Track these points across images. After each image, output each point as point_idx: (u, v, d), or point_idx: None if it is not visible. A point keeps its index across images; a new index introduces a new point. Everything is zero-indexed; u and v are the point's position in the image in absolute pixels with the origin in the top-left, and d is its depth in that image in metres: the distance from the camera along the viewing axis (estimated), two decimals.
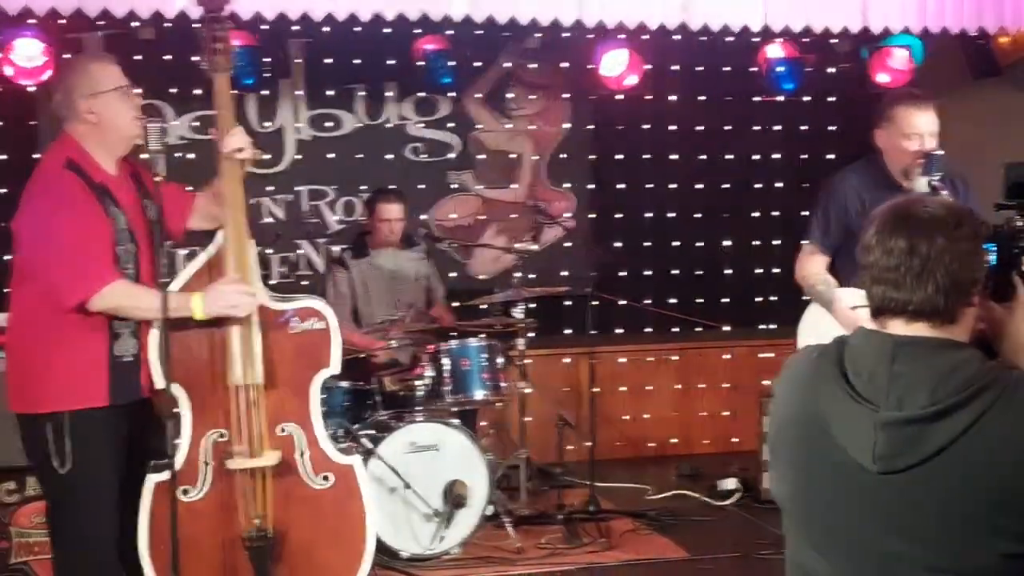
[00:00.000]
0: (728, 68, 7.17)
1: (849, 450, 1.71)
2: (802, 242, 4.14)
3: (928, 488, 1.66)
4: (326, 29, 5.33)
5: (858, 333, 1.85)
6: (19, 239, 3.29)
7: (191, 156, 6.42)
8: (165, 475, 3.29)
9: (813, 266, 4.08)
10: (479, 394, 5.16)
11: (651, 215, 7.48)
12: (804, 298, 4.31)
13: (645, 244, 7.43)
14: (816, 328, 4.06)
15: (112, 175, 3.38)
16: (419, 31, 6.15)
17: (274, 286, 5.67)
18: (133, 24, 5.64)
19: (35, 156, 6.57)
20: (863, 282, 1.86)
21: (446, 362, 5.12)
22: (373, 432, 4.89)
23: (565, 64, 7.18)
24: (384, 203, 5.75)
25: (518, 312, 5.45)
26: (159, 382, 3.29)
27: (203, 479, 3.38)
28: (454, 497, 4.85)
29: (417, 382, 5.09)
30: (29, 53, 5.83)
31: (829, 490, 1.77)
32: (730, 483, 5.92)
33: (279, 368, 3.42)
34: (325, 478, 3.49)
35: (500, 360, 5.25)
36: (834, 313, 3.97)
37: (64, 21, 5.23)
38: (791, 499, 1.86)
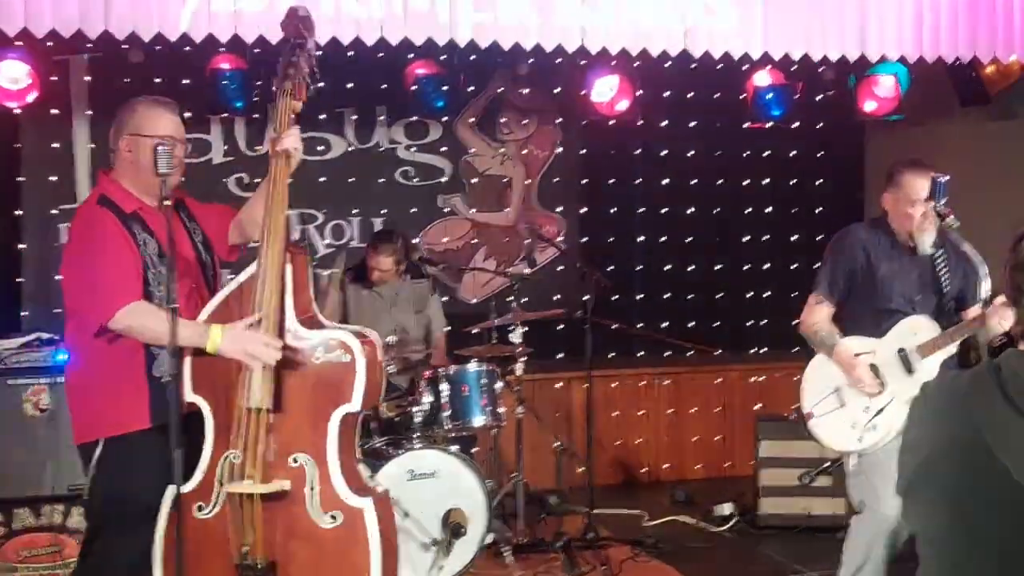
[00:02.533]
0: (718, 95, 7.21)
1: (1018, 475, 1.62)
2: (811, 295, 4.17)
3: None
4: (318, 53, 5.28)
5: (1013, 357, 1.76)
6: (62, 278, 3.41)
7: (182, 179, 6.32)
8: (185, 487, 3.27)
9: (815, 316, 4.12)
10: (478, 420, 5.10)
11: (642, 239, 7.50)
12: (795, 323, 4.33)
13: (636, 268, 7.44)
14: (821, 376, 4.09)
15: (149, 204, 3.42)
16: (411, 56, 6.12)
17: None
18: (123, 47, 5.56)
19: (19, 179, 6.52)
20: (1016, 302, 1.79)
21: (444, 388, 5.06)
22: (370, 459, 4.81)
23: (557, 89, 7.21)
24: (373, 251, 5.64)
25: (516, 337, 5.40)
26: (188, 394, 3.31)
27: (216, 497, 3.31)
28: (452, 526, 4.77)
29: (414, 408, 5.03)
30: (14, 75, 5.74)
31: (990, 521, 1.68)
32: (726, 508, 5.90)
33: (298, 396, 3.32)
34: (333, 517, 3.30)
35: (499, 385, 5.20)
36: (835, 356, 4.01)
37: (51, 44, 5.15)
38: (942, 534, 1.76)
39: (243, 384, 3.25)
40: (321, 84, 6.66)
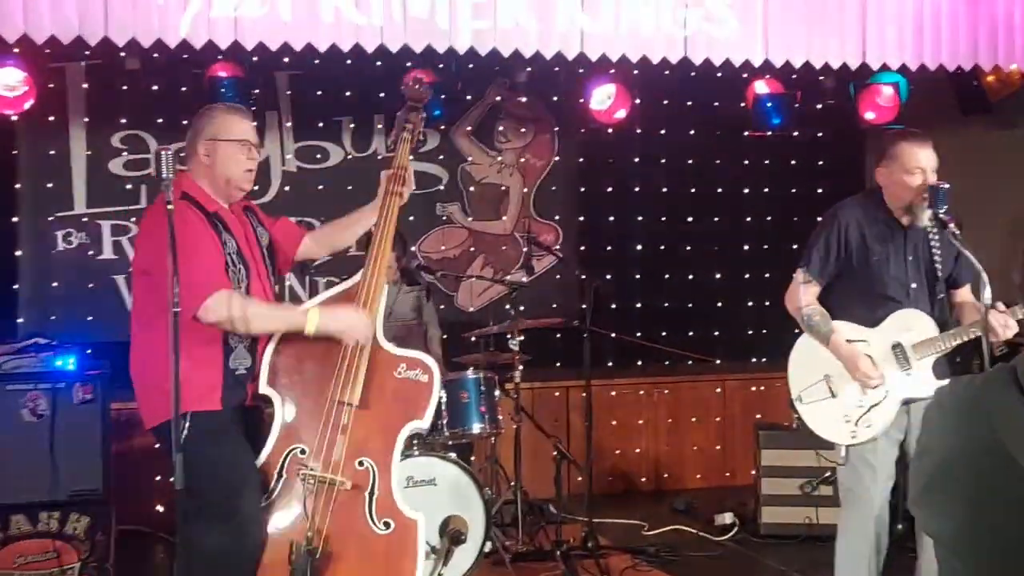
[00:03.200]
0: (717, 103, 7.21)
1: None
2: (799, 270, 4.07)
3: None
4: (316, 61, 5.29)
5: None
6: (138, 271, 3.53)
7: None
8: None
9: (807, 297, 4.01)
10: (476, 427, 5.07)
11: (641, 248, 7.48)
12: (796, 331, 4.28)
13: (635, 277, 7.43)
14: (809, 362, 4.02)
15: (224, 207, 3.56)
16: (409, 64, 6.11)
17: None
18: (120, 54, 5.54)
19: (16, 186, 6.50)
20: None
21: (443, 395, 5.02)
22: None
23: (554, 98, 7.20)
24: None
25: (514, 344, 5.37)
26: (263, 386, 3.43)
27: (272, 488, 3.42)
28: (451, 533, 4.73)
29: None
30: (10, 82, 5.72)
31: (1009, 522, 1.65)
32: (727, 518, 5.87)
33: (375, 404, 3.47)
34: (386, 524, 3.46)
35: (497, 393, 5.18)
36: (831, 346, 3.93)
37: (48, 51, 5.14)
38: (959, 537, 1.73)
39: (339, 377, 3.41)
40: (318, 92, 6.77)
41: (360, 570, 3.44)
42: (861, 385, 3.88)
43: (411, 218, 6.95)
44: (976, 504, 1.71)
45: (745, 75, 6.29)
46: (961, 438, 1.73)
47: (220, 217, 3.49)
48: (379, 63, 5.20)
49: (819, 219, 4.14)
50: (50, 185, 6.54)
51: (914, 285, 3.95)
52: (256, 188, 6.69)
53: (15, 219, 6.51)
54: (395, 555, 3.46)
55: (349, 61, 5.15)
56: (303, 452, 3.43)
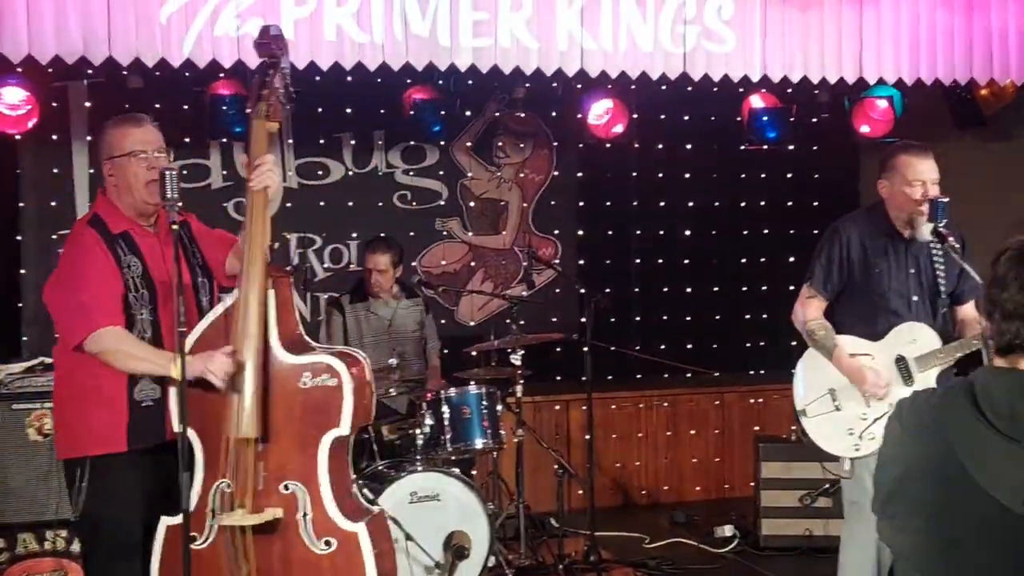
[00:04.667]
0: (713, 117, 7.26)
1: (993, 492, 1.66)
2: (804, 285, 4.13)
3: None
4: (316, 78, 5.34)
5: (985, 373, 1.80)
6: (45, 295, 3.41)
7: (180, 204, 6.33)
8: (177, 519, 3.22)
9: (811, 311, 4.06)
10: (479, 442, 5.10)
11: (639, 262, 7.52)
12: (793, 343, 4.32)
13: (634, 291, 7.46)
14: (814, 375, 4.06)
15: (141, 225, 3.43)
16: (409, 81, 6.17)
17: None
18: (123, 72, 5.58)
19: (20, 205, 6.53)
20: (989, 317, 1.82)
21: (445, 410, 5.06)
22: (372, 483, 4.80)
23: (552, 113, 7.26)
24: (371, 252, 5.72)
25: (515, 359, 5.40)
26: (175, 427, 3.22)
27: (209, 528, 3.27)
28: (455, 548, 4.75)
29: (416, 431, 5.02)
30: (13, 101, 5.76)
31: (966, 537, 1.71)
32: (727, 530, 5.89)
33: (287, 424, 3.27)
34: (327, 543, 3.27)
35: (499, 407, 5.20)
36: (834, 360, 3.97)
37: (51, 70, 5.18)
38: (917, 549, 1.79)
39: (231, 414, 3.20)
40: (319, 109, 6.82)
41: None
42: (867, 397, 3.92)
43: (411, 234, 7.02)
44: (934, 518, 1.75)
45: (741, 89, 6.35)
46: (919, 452, 1.79)
47: (129, 238, 3.36)
48: (379, 79, 5.24)
49: (816, 232, 4.19)
50: (53, 203, 6.57)
51: (915, 297, 3.99)
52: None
53: (19, 237, 6.54)
54: (341, 570, 3.27)
55: (350, 78, 5.20)
56: (229, 486, 3.24)
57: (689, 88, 5.64)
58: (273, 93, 3.29)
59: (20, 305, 6.49)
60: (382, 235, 6.01)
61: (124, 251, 3.34)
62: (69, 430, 3.34)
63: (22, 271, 6.52)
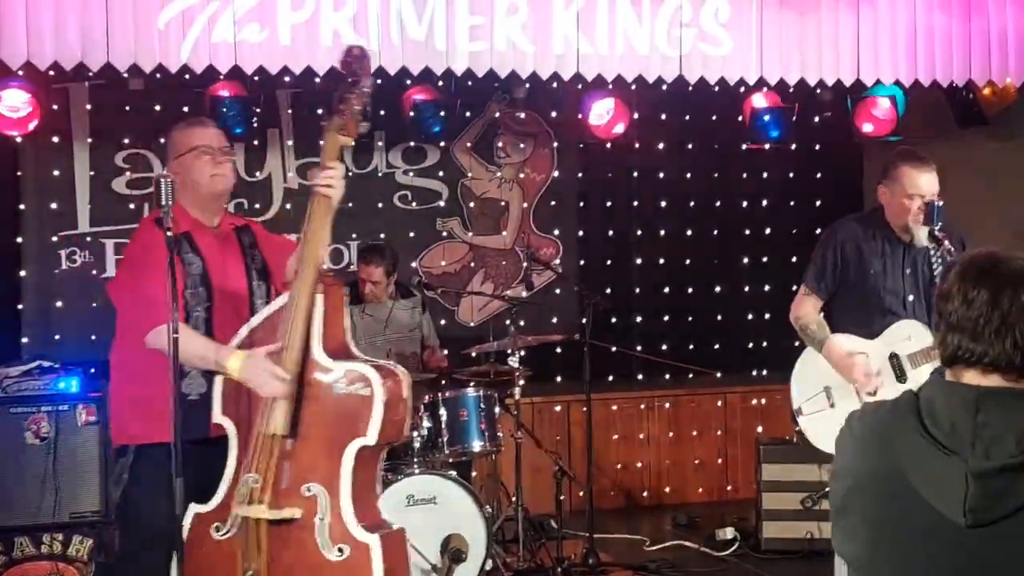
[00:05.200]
0: (715, 117, 7.24)
1: (935, 504, 1.68)
2: (800, 285, 4.18)
3: (1018, 540, 1.64)
4: (316, 79, 5.34)
5: (931, 385, 1.83)
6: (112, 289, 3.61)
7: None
8: (207, 507, 3.34)
9: (805, 308, 4.12)
10: (477, 445, 5.10)
11: (640, 262, 7.51)
12: (796, 344, 4.33)
13: (635, 291, 7.45)
14: (810, 374, 4.08)
15: (205, 224, 3.57)
16: (409, 81, 6.16)
17: None
18: (124, 75, 5.59)
19: (20, 207, 6.55)
20: (937, 328, 1.84)
21: (443, 413, 5.06)
22: None
23: (553, 113, 7.25)
24: (363, 263, 5.71)
25: (514, 360, 5.40)
26: (216, 415, 3.39)
27: (233, 519, 3.32)
28: (452, 551, 4.76)
29: (413, 433, 5.02)
30: (14, 103, 5.76)
31: (911, 548, 1.73)
32: (728, 533, 5.87)
33: (316, 426, 3.32)
34: (340, 550, 3.26)
35: (497, 410, 5.20)
36: (825, 353, 4.00)
37: (52, 72, 5.19)
38: (866, 559, 1.81)
39: (264, 409, 3.28)
40: (320, 110, 6.82)
41: None
42: (860, 388, 3.93)
43: (411, 234, 7.02)
44: (880, 529, 1.78)
45: (743, 89, 6.33)
46: (867, 464, 1.81)
47: (191, 238, 3.51)
48: (379, 81, 5.23)
49: (819, 232, 4.23)
50: (54, 205, 6.59)
51: (911, 297, 4.01)
52: (258, 206, 6.83)
53: (19, 239, 6.56)
54: None
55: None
56: (256, 482, 3.27)
57: (690, 88, 5.63)
58: (349, 110, 3.38)
59: (20, 307, 6.52)
60: (374, 244, 5.98)
61: (186, 249, 3.47)
62: (120, 418, 3.52)
63: (22, 273, 6.55)
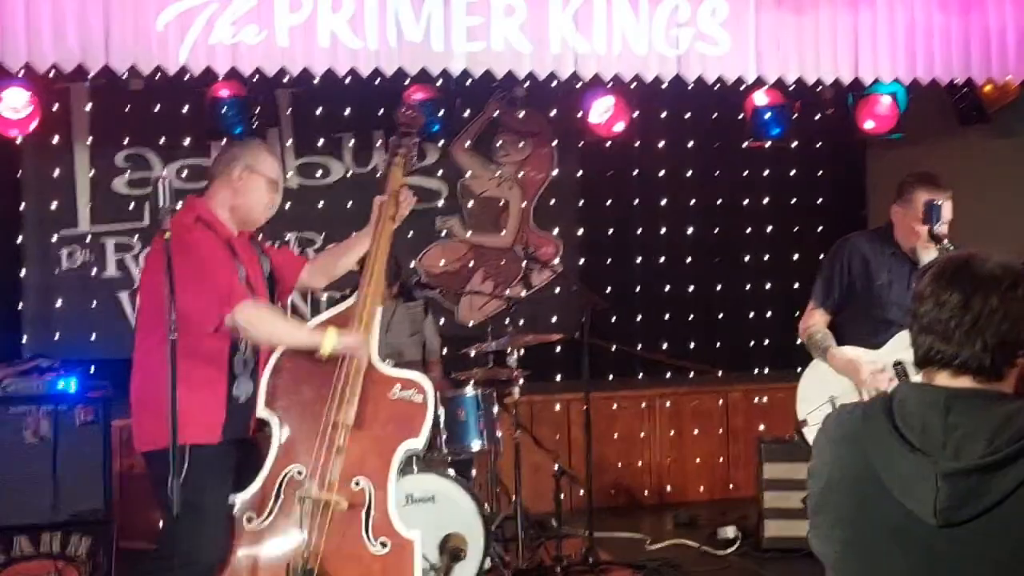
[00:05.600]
0: (716, 115, 7.24)
1: (907, 504, 1.70)
2: (811, 300, 4.21)
3: (988, 540, 1.65)
4: (316, 80, 5.36)
5: (904, 387, 1.86)
6: (142, 295, 3.60)
7: (179, 205, 6.35)
8: (236, 497, 3.45)
9: (811, 320, 4.16)
10: (475, 444, 5.10)
11: (640, 260, 7.50)
12: (798, 341, 4.34)
13: (636, 290, 7.45)
14: (816, 386, 4.09)
15: (235, 235, 3.64)
16: (408, 80, 6.16)
17: None
18: (124, 75, 5.60)
19: (21, 206, 6.57)
20: (911, 329, 1.86)
21: (441, 412, 5.05)
22: None
23: (553, 112, 7.24)
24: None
25: (513, 360, 5.40)
26: (260, 409, 3.49)
27: (269, 510, 3.45)
28: (451, 550, 4.75)
29: None
30: (15, 103, 5.77)
31: (883, 547, 1.75)
32: (729, 531, 5.86)
33: (371, 425, 3.53)
34: (383, 544, 3.48)
35: (495, 409, 5.21)
36: (829, 359, 4.01)
37: (52, 72, 5.20)
38: (839, 558, 1.84)
39: (335, 398, 3.46)
40: (319, 110, 6.83)
41: None
42: (867, 389, 3.94)
43: (410, 233, 7.01)
44: (853, 528, 1.81)
45: (743, 86, 6.32)
46: (841, 465, 1.84)
47: (232, 244, 3.56)
48: (378, 80, 5.24)
49: (820, 230, 4.24)
50: (54, 205, 6.61)
51: None
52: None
53: (20, 239, 6.58)
54: (391, 573, 3.48)
55: (348, 79, 5.21)
56: (300, 473, 3.46)
57: (690, 86, 5.62)
58: (410, 152, 4.01)
59: (20, 307, 6.53)
60: None
61: (234, 254, 3.53)
62: (165, 419, 3.30)
63: (22, 272, 6.57)
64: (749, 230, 7.66)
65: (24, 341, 6.47)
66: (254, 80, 5.84)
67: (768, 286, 7.45)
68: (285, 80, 5.59)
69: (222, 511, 3.44)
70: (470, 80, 5.57)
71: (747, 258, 7.65)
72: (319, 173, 6.97)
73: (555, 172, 7.38)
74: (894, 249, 4.04)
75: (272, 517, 3.45)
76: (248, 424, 3.55)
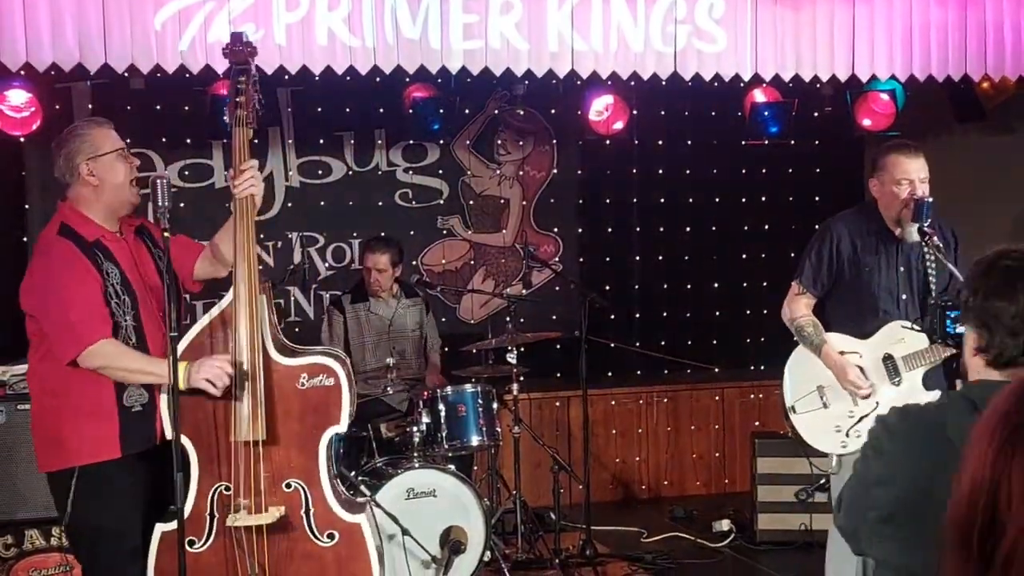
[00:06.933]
0: (714, 113, 7.27)
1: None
2: (793, 282, 4.18)
3: None
4: (316, 77, 5.41)
5: (983, 387, 1.78)
6: (26, 308, 3.37)
7: (181, 204, 6.41)
8: (172, 525, 3.27)
9: (799, 308, 4.12)
10: (475, 440, 5.16)
11: (639, 258, 7.54)
12: (794, 339, 4.36)
13: (635, 287, 7.49)
14: (804, 372, 4.10)
15: (111, 231, 3.44)
16: (408, 79, 6.20)
17: None
18: (125, 74, 5.65)
19: (25, 206, 6.61)
20: (985, 328, 1.80)
21: (442, 408, 5.12)
22: (370, 479, 4.87)
23: (552, 110, 7.28)
24: (370, 252, 5.79)
25: (512, 357, 5.45)
26: (168, 434, 3.27)
27: (207, 531, 3.35)
28: (451, 543, 4.82)
29: (413, 428, 5.09)
30: (17, 103, 5.82)
31: None
32: (724, 525, 5.93)
33: (286, 424, 3.37)
34: (330, 536, 3.42)
35: (495, 405, 5.26)
36: (822, 357, 4.02)
37: (54, 72, 5.25)
38: (931, 565, 1.70)
39: (233, 418, 3.28)
40: (320, 108, 6.87)
41: None
42: (851, 395, 3.96)
43: (412, 232, 7.07)
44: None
45: (742, 84, 6.36)
46: (928, 467, 1.75)
47: (102, 245, 3.36)
48: (378, 78, 5.29)
49: (818, 228, 4.24)
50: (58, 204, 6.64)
51: (904, 296, 4.02)
52: (261, 204, 6.86)
53: (24, 238, 6.63)
54: (346, 561, 3.42)
55: (349, 77, 5.26)
56: (228, 489, 3.34)
57: (689, 83, 5.66)
58: (250, 100, 3.37)
59: None
60: (381, 235, 6.07)
61: (101, 258, 3.34)
62: (56, 442, 3.33)
63: None
64: (747, 228, 7.69)
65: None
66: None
67: (765, 284, 7.47)
68: (286, 78, 5.66)
69: (133, 533, 3.31)
70: (470, 79, 5.62)
71: (744, 256, 7.68)
72: (320, 171, 7.02)
73: (555, 171, 7.42)
74: (879, 230, 4.04)
75: (212, 538, 3.34)
76: (152, 433, 3.37)
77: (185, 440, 3.31)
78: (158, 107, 6.60)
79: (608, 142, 7.07)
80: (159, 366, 3.22)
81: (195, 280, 3.67)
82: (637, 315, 7.51)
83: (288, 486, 3.38)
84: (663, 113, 7.35)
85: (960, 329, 2.80)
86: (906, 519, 1.79)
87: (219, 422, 3.33)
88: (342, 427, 3.41)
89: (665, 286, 7.57)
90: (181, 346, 3.26)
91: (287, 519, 3.37)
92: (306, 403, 3.39)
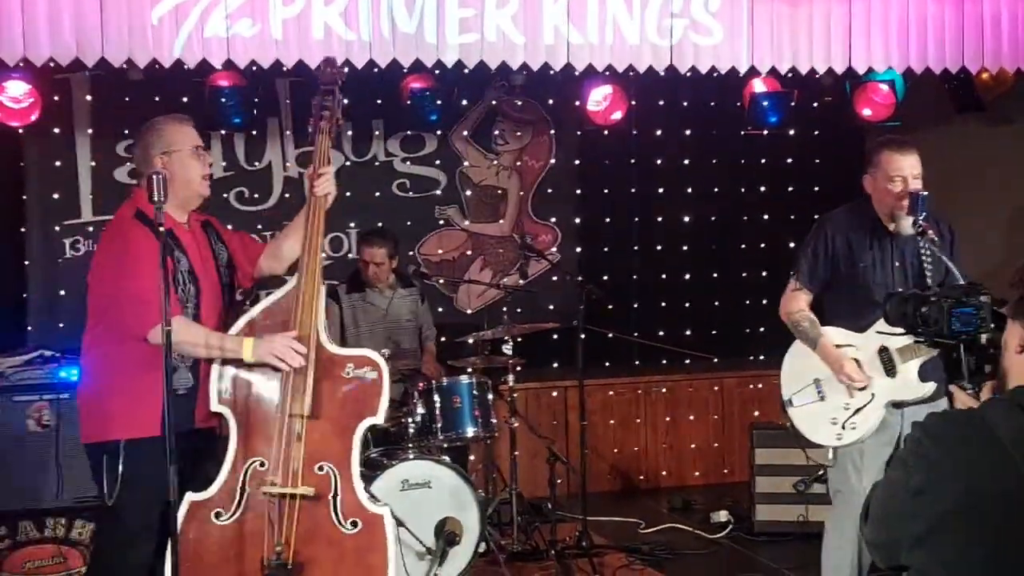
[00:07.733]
0: (713, 103, 7.25)
1: None
2: (790, 278, 4.19)
3: None
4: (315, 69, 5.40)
5: None
6: (91, 284, 3.59)
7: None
8: (202, 495, 3.44)
9: (797, 303, 4.14)
10: (470, 431, 5.17)
11: (638, 248, 7.54)
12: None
13: (633, 277, 7.50)
14: (801, 366, 4.12)
15: (180, 222, 3.63)
16: (406, 70, 6.19)
17: None
18: (123, 66, 5.65)
19: (23, 197, 6.63)
20: None
21: (437, 399, 5.13)
22: (365, 470, 4.88)
23: (551, 100, 7.27)
24: (366, 245, 5.80)
25: (508, 348, 5.47)
26: (213, 404, 3.48)
27: (236, 504, 3.47)
28: (447, 534, 4.84)
29: (408, 419, 5.10)
30: (16, 95, 5.83)
31: None
32: (722, 515, 5.96)
33: (327, 409, 3.53)
34: (353, 523, 3.52)
35: (491, 396, 5.27)
36: (819, 351, 4.03)
37: (52, 63, 5.25)
38: (984, 569, 1.75)
39: (287, 392, 3.46)
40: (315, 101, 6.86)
41: (333, 572, 3.51)
42: (847, 388, 3.98)
43: (409, 222, 7.07)
44: (1006, 534, 1.71)
45: (741, 74, 6.35)
46: (981, 472, 1.73)
47: (173, 235, 3.52)
48: (376, 69, 5.29)
49: (817, 218, 4.25)
50: (57, 195, 6.67)
51: (900, 290, 4.02)
52: (258, 195, 6.89)
53: (23, 229, 6.65)
54: (364, 551, 3.53)
55: (346, 69, 5.26)
56: (262, 465, 3.47)
57: (688, 73, 5.66)
58: (334, 115, 3.73)
59: (25, 296, 6.60)
60: (377, 226, 6.07)
61: (172, 247, 3.49)
62: (104, 414, 3.49)
63: (26, 262, 6.63)
64: (746, 218, 7.69)
65: (29, 330, 6.53)
66: (254, 69, 5.90)
67: (764, 274, 7.48)
68: (284, 69, 5.67)
69: (154, 511, 3.41)
70: (467, 68, 5.62)
71: (744, 246, 7.68)
72: None
73: (553, 160, 7.42)
74: (874, 224, 4.05)
75: (240, 511, 3.46)
76: (192, 415, 3.54)
77: (228, 413, 3.50)
78: (157, 98, 6.58)
79: (607, 132, 7.07)
80: (226, 340, 3.46)
81: (255, 277, 3.89)
82: (635, 305, 7.52)
83: (320, 468, 3.51)
84: (662, 103, 7.35)
85: (958, 327, 2.83)
86: (961, 524, 1.76)
87: (265, 399, 3.50)
88: (379, 419, 3.59)
89: (664, 276, 7.58)
90: (241, 323, 3.53)
91: (315, 501, 3.49)
92: (349, 392, 3.56)
